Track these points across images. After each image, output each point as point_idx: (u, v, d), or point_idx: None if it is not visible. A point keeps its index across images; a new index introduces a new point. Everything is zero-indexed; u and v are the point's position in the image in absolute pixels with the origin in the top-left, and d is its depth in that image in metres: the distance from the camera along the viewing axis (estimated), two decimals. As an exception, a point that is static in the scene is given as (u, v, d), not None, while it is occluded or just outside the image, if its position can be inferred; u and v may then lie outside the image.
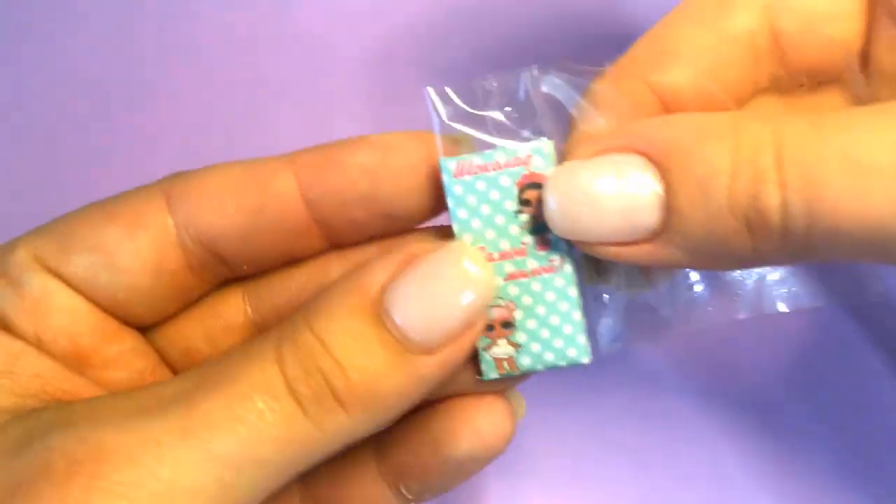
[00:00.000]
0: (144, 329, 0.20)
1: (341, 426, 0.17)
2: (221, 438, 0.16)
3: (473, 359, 0.19)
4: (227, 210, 0.19)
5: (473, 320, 0.17)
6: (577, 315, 0.19)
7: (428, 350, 0.17)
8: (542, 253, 0.19)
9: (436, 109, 0.19)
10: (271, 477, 0.16)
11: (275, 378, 0.16)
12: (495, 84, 0.19)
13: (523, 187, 0.18)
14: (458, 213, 0.19)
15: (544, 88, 0.19)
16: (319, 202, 0.19)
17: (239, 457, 0.16)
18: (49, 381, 0.18)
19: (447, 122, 0.19)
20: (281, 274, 0.21)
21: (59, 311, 0.19)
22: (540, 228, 0.18)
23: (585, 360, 0.19)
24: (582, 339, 0.19)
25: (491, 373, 0.19)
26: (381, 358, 0.17)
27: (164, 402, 0.16)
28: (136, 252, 0.19)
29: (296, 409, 0.16)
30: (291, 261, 0.20)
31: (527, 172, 0.18)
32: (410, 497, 0.21)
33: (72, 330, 0.19)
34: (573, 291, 0.19)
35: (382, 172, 0.19)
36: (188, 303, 0.21)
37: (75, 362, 0.19)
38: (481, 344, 0.19)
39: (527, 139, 0.19)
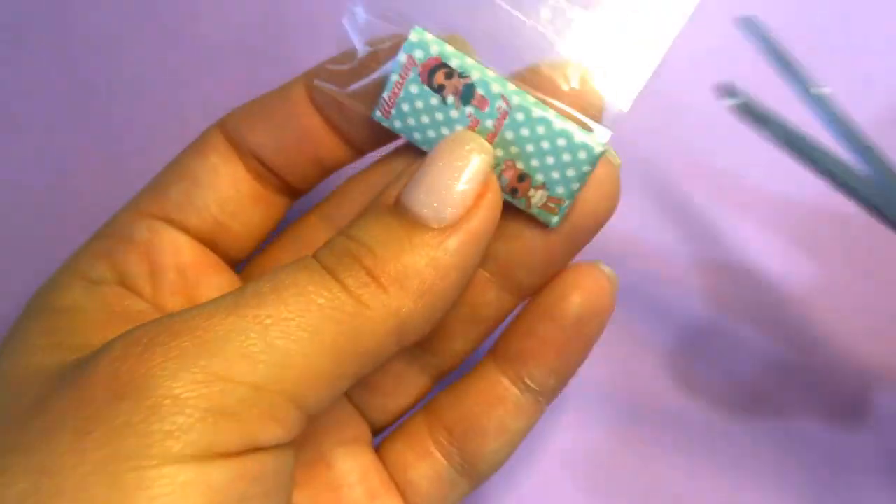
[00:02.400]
0: (240, 267, 0.22)
1: (385, 304, 0.17)
2: (267, 306, 0.16)
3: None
4: (259, 125, 0.21)
5: (479, 185, 0.18)
6: (559, 124, 0.19)
7: (448, 223, 0.18)
8: (488, 109, 0.19)
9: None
10: (328, 353, 0.17)
11: (312, 265, 0.17)
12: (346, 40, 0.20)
13: (427, 79, 0.19)
14: (415, 138, 0.20)
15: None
16: (323, 105, 0.21)
17: (286, 321, 0.16)
18: None
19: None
20: (344, 195, 0.22)
21: (165, 246, 0.20)
22: (468, 95, 0.19)
23: (599, 148, 0.19)
24: (580, 137, 0.19)
25: (551, 219, 0.20)
26: (403, 235, 0.18)
27: (219, 297, 0.17)
28: (212, 168, 0.21)
29: (335, 283, 0.17)
30: (325, 172, 0.22)
31: (420, 68, 0.19)
32: (537, 387, 0.21)
33: (178, 262, 0.20)
34: (537, 111, 0.19)
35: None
36: (272, 219, 0.22)
37: (183, 300, 0.20)
38: (527, 207, 0.20)
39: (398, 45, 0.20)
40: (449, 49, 0.19)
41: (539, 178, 0.19)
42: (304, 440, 0.18)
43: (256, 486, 0.16)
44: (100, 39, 0.29)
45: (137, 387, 0.15)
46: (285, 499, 0.17)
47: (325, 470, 0.21)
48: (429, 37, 0.19)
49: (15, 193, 0.28)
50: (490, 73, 0.19)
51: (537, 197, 0.20)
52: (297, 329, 0.16)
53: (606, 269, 0.21)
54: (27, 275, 0.22)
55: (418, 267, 0.17)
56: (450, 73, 0.19)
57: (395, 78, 0.19)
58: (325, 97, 0.21)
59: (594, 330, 0.21)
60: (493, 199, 0.19)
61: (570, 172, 0.19)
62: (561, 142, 0.19)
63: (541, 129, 0.19)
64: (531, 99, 0.19)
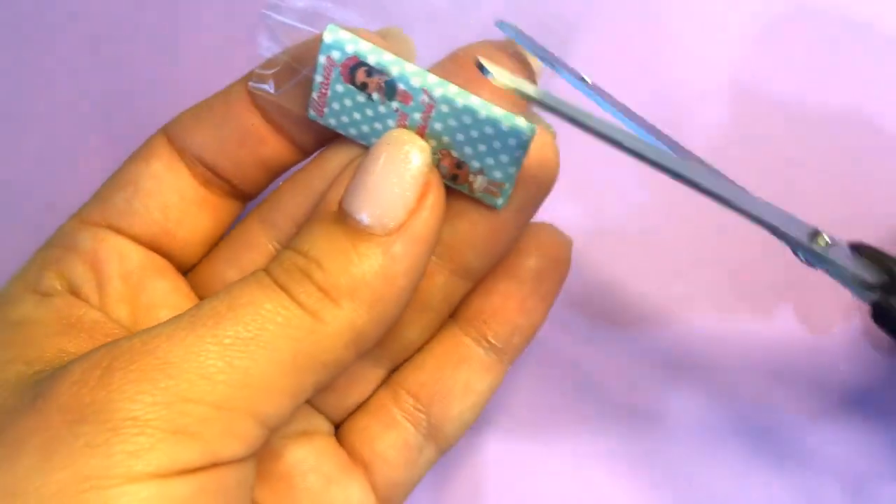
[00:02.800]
0: (185, 273, 0.22)
1: (339, 318, 0.17)
2: (225, 325, 0.17)
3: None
4: (201, 126, 0.21)
5: (420, 186, 0.18)
6: (485, 112, 0.18)
7: (392, 229, 0.18)
8: (412, 103, 0.19)
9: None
10: (287, 368, 0.17)
11: (265, 281, 0.18)
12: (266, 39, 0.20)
13: (350, 78, 0.19)
14: (351, 133, 0.20)
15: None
16: (265, 106, 0.21)
17: (244, 340, 0.16)
18: (101, 342, 0.18)
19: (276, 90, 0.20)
20: (281, 197, 0.22)
21: (111, 254, 0.20)
22: (391, 91, 0.19)
23: (528, 133, 0.18)
24: (507, 123, 0.18)
25: (496, 201, 0.20)
26: (349, 246, 0.18)
27: (175, 317, 0.17)
28: (154, 174, 0.21)
29: (288, 300, 0.17)
30: (272, 173, 0.22)
31: (340, 67, 0.19)
32: (500, 345, 0.21)
33: (123, 268, 0.20)
34: (460, 101, 0.19)
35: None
36: (220, 225, 0.22)
37: (129, 306, 0.20)
38: (470, 192, 0.20)
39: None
40: (365, 46, 0.19)
41: (475, 164, 0.19)
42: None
43: (218, 498, 0.16)
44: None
45: (98, 410, 0.15)
46: None
47: (275, 463, 0.21)
48: (344, 35, 0.19)
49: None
50: (410, 67, 0.19)
51: (478, 182, 0.19)
52: (255, 348, 0.16)
53: (560, 230, 0.22)
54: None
55: (367, 278, 0.18)
56: (370, 71, 0.19)
57: (319, 79, 0.19)
58: (263, 99, 0.20)
59: (553, 285, 0.22)
60: (436, 199, 0.18)
61: (504, 158, 0.19)
62: (489, 130, 0.19)
63: (467, 119, 0.19)
64: (453, 89, 0.19)
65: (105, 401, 0.15)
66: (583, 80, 0.21)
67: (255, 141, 0.21)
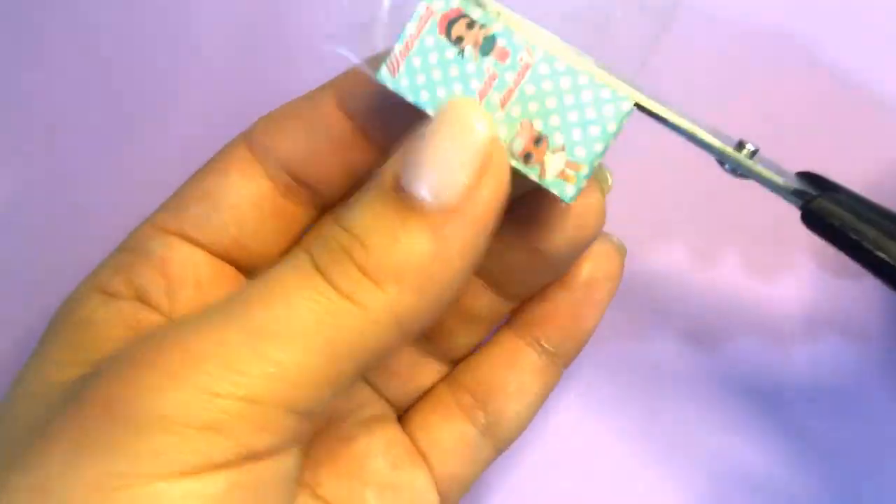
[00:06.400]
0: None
1: (382, 302, 0.16)
2: (254, 313, 0.16)
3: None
4: (287, 134, 0.21)
5: (483, 163, 0.17)
6: (585, 78, 0.18)
7: (448, 208, 0.17)
8: (508, 61, 0.18)
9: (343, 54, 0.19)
10: (321, 356, 0.16)
11: (303, 264, 0.17)
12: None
13: (445, 29, 0.18)
14: (421, 98, 0.19)
15: None
16: (356, 111, 0.21)
17: (273, 328, 0.16)
18: None
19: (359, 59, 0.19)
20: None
21: (183, 263, 0.20)
22: (488, 46, 0.18)
23: (626, 104, 0.18)
24: (607, 93, 0.18)
25: (567, 191, 0.18)
26: (397, 223, 0.17)
27: (208, 308, 0.17)
28: (233, 188, 0.21)
29: (324, 284, 0.16)
30: (356, 179, 0.21)
31: (438, 18, 0.18)
32: (553, 349, 0.22)
33: (196, 279, 0.20)
34: (560, 64, 0.18)
35: None
36: (295, 234, 0.22)
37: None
38: (541, 176, 0.18)
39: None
40: None
41: (558, 139, 0.18)
42: (322, 426, 0.19)
43: (254, 493, 0.16)
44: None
45: (126, 407, 0.15)
46: (288, 500, 0.17)
47: (346, 446, 0.22)
48: None
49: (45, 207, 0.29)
50: (514, 22, 0.18)
51: (554, 162, 0.18)
52: (287, 337, 0.16)
53: (615, 238, 0.22)
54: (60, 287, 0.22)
55: (414, 259, 0.16)
56: (471, 24, 0.18)
57: (410, 29, 0.18)
58: (356, 103, 0.20)
59: (605, 294, 0.22)
60: (498, 178, 0.17)
61: (594, 131, 0.18)
62: (587, 95, 0.18)
63: (565, 83, 0.18)
64: (557, 50, 0.18)
65: (133, 398, 0.15)
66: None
67: (345, 147, 0.21)
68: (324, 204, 0.22)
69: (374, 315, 0.16)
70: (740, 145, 0.21)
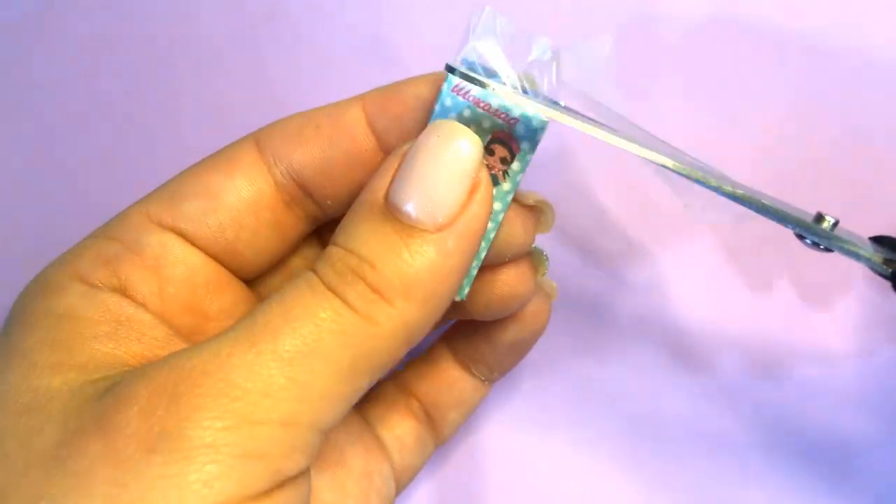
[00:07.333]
0: (250, 284, 0.22)
1: (394, 318, 0.17)
2: (283, 339, 0.16)
3: None
4: (305, 143, 0.20)
5: (471, 179, 0.18)
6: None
7: (442, 224, 0.18)
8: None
9: (473, 31, 0.19)
10: (345, 375, 0.17)
11: (317, 286, 0.17)
12: (534, 42, 0.19)
13: (494, 139, 0.19)
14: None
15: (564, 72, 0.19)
16: (384, 131, 0.20)
17: (303, 353, 0.16)
18: (150, 346, 0.18)
19: (473, 47, 0.19)
20: None
21: (177, 263, 0.20)
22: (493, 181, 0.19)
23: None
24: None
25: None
26: (401, 244, 0.17)
27: (230, 329, 0.17)
28: (236, 190, 0.20)
29: (343, 305, 0.17)
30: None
31: (506, 130, 0.19)
32: (482, 377, 0.25)
33: (190, 280, 0.20)
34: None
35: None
36: (288, 246, 0.22)
37: (191, 315, 0.20)
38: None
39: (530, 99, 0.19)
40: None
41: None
42: None
43: None
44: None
45: (168, 438, 0.15)
46: None
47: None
48: (539, 133, 0.19)
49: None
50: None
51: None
52: (314, 360, 0.16)
53: (547, 285, 0.24)
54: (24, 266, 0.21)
55: (420, 275, 0.17)
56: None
57: (493, 100, 0.19)
58: (387, 122, 0.20)
59: (527, 347, 0.25)
60: (487, 190, 0.18)
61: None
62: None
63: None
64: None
65: (175, 429, 0.15)
66: (556, 103, 0.20)
67: (363, 164, 0.20)
68: (318, 219, 0.22)
69: (389, 330, 0.17)
70: (819, 218, 0.20)
